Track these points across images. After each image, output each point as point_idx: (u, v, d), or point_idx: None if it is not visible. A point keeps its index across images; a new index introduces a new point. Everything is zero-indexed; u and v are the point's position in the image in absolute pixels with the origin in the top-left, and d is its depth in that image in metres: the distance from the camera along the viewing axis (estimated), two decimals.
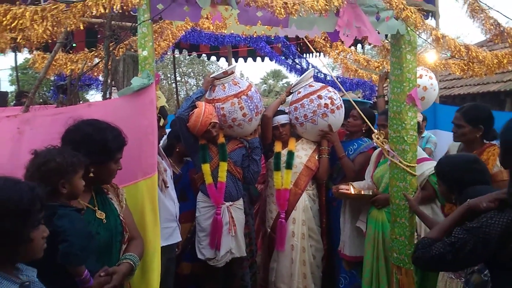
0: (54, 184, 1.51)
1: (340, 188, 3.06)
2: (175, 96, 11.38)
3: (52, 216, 1.43)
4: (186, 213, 3.19)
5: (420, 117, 3.37)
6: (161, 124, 2.50)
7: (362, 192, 3.00)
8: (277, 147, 3.37)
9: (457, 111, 2.53)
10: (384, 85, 3.82)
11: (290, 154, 3.32)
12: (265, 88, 27.22)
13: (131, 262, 1.70)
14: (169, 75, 19.78)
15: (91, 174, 1.68)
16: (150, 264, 2.04)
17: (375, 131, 2.83)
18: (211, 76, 3.19)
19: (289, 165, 3.29)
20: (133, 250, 1.78)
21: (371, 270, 2.94)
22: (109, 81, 2.56)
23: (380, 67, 4.40)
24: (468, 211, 1.60)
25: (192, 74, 21.67)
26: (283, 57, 5.62)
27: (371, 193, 2.97)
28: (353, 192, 3.01)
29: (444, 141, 4.22)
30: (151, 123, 2.08)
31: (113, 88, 2.59)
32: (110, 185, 1.87)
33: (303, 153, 3.36)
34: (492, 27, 2.78)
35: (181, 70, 20.62)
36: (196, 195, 3.23)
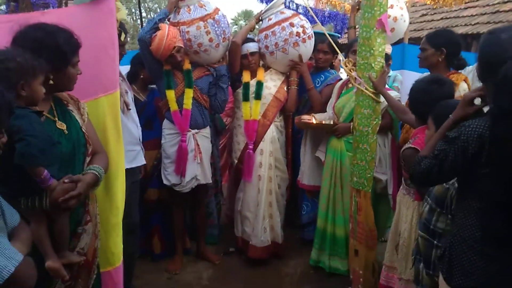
0: (12, 85, 1.41)
1: (302, 118, 3.10)
2: None
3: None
4: (152, 141, 3.16)
5: (389, 49, 3.37)
6: (122, 39, 2.37)
7: (323, 122, 3.04)
8: (246, 77, 3.27)
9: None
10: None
11: (259, 85, 3.23)
12: (236, 29, 26.50)
13: (96, 173, 1.67)
14: (133, 10, 18.78)
15: (51, 82, 1.59)
16: (114, 181, 2.03)
17: (343, 58, 2.82)
18: None
19: (258, 96, 3.23)
20: (97, 163, 1.73)
21: (327, 196, 3.07)
22: None
23: None
24: (453, 124, 1.61)
25: (158, 10, 20.63)
26: None
27: (332, 123, 3.02)
28: (314, 122, 3.05)
29: (411, 82, 4.27)
30: (111, 35, 1.97)
31: (70, 1, 2.40)
32: (70, 97, 1.79)
33: (272, 84, 3.29)
34: None
35: (146, 6, 19.55)
36: (161, 124, 3.18)
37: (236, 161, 3.40)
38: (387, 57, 3.08)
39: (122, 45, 2.38)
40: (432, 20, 8.16)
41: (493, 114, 1.35)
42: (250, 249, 3.29)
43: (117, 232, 2.08)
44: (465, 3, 6.51)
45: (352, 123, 2.76)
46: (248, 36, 3.33)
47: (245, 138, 3.29)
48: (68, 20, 1.87)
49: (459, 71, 2.56)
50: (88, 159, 1.73)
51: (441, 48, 2.44)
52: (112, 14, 1.94)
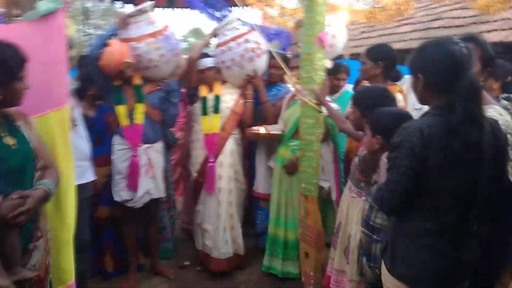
0: None
1: (251, 129, 3.24)
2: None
3: None
4: (102, 157, 3.12)
5: (329, 63, 3.58)
6: (71, 54, 2.38)
7: (271, 132, 3.19)
8: (203, 91, 3.34)
9: None
10: None
11: (217, 99, 3.32)
12: (186, 46, 26.55)
13: (46, 188, 1.67)
14: (80, 27, 18.26)
15: None
16: (64, 198, 2.02)
17: (289, 73, 2.99)
18: (125, 13, 3.06)
19: (216, 110, 3.30)
20: (47, 178, 1.74)
21: (277, 203, 3.19)
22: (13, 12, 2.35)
23: (294, 15, 4.57)
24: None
25: (106, 26, 20.22)
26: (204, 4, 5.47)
27: (280, 133, 3.17)
28: (262, 132, 3.19)
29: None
30: (60, 51, 1.99)
31: (17, 18, 2.38)
32: (18, 113, 1.79)
33: (228, 98, 3.38)
34: None
35: (93, 22, 19.10)
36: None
37: (194, 175, 3.42)
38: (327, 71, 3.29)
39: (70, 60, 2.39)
40: (370, 37, 8.70)
41: (462, 121, 1.45)
42: (211, 262, 3.32)
43: (68, 249, 2.07)
44: (398, 20, 7.02)
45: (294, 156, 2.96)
46: (204, 51, 3.41)
47: (203, 151, 3.33)
48: (17, 36, 1.88)
49: (395, 82, 2.79)
50: (37, 174, 1.73)
51: (379, 61, 2.64)
52: (62, 31, 1.97)
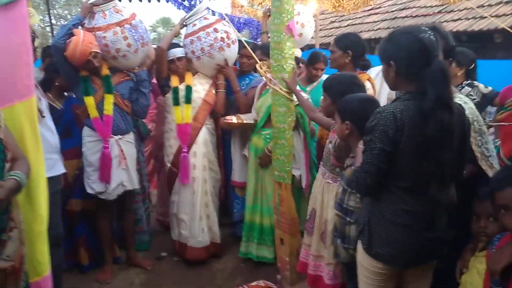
0: None
1: (225, 119, 3.26)
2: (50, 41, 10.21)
3: None
4: (72, 150, 3.07)
5: (298, 52, 3.64)
6: (35, 44, 2.32)
7: (244, 121, 3.22)
8: (174, 81, 3.32)
9: None
10: None
11: (189, 89, 3.31)
12: (155, 36, 26.10)
13: (17, 178, 1.65)
14: (42, 17, 17.59)
15: None
16: (35, 189, 1.99)
17: (259, 61, 3.01)
18: (89, 2, 2.99)
19: (188, 100, 3.30)
20: (18, 169, 1.71)
21: (253, 191, 3.24)
22: None
23: (263, 3, 4.59)
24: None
25: (69, 16, 19.57)
26: None
27: (253, 122, 3.20)
28: (235, 122, 3.21)
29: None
30: (25, 41, 1.93)
31: None
32: None
33: (200, 88, 3.38)
34: None
35: (56, 12, 18.44)
36: (81, 131, 3.11)
37: (169, 165, 3.42)
38: (297, 60, 3.34)
39: (35, 50, 2.33)
40: (340, 27, 8.84)
41: (434, 105, 1.53)
42: (188, 251, 3.33)
43: (43, 240, 2.04)
44: (367, 10, 7.16)
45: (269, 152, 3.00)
46: (173, 41, 3.38)
47: (177, 141, 3.33)
48: None
49: (364, 71, 2.86)
50: (8, 165, 1.70)
51: (348, 50, 2.69)
52: (25, 20, 1.91)
